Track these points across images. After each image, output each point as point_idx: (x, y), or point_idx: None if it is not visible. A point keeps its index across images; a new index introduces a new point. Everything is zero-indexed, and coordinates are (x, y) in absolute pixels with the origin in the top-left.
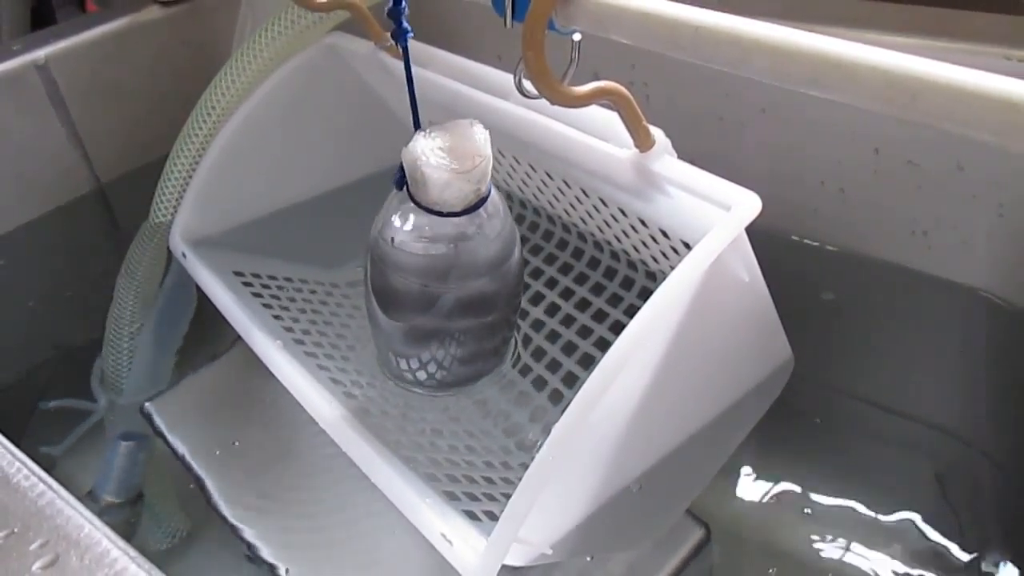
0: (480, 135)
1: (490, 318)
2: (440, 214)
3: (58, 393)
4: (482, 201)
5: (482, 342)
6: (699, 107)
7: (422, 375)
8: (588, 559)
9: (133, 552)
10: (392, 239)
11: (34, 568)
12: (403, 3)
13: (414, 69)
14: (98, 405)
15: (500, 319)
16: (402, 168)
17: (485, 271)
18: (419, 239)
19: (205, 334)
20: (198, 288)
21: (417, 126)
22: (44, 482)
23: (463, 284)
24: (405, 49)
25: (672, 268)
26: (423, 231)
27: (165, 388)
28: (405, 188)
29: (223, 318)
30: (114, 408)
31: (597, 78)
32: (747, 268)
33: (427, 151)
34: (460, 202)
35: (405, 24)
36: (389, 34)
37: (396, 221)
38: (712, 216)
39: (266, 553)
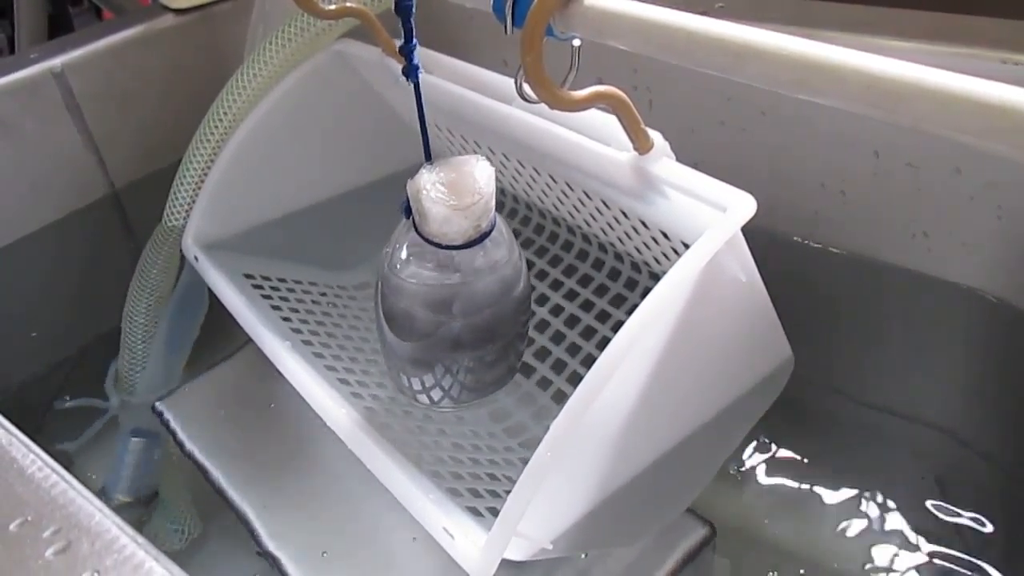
0: (482, 173)
1: (496, 347)
2: (440, 246)
3: (73, 392)
4: (483, 236)
5: (488, 369)
6: (701, 111)
7: (424, 399)
8: (583, 556)
9: (142, 540)
10: (398, 267)
11: (47, 554)
12: (414, 41)
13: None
14: (111, 404)
15: (506, 347)
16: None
17: (490, 302)
18: (423, 269)
19: (217, 335)
20: (210, 290)
21: (428, 158)
22: (57, 473)
23: (468, 314)
24: (416, 86)
25: None
26: (426, 262)
27: (176, 387)
28: (411, 218)
29: (234, 320)
30: (127, 407)
31: (600, 83)
32: (744, 268)
33: (429, 185)
34: (460, 236)
35: (416, 61)
36: (401, 70)
37: (402, 250)
38: (709, 217)
39: (276, 549)
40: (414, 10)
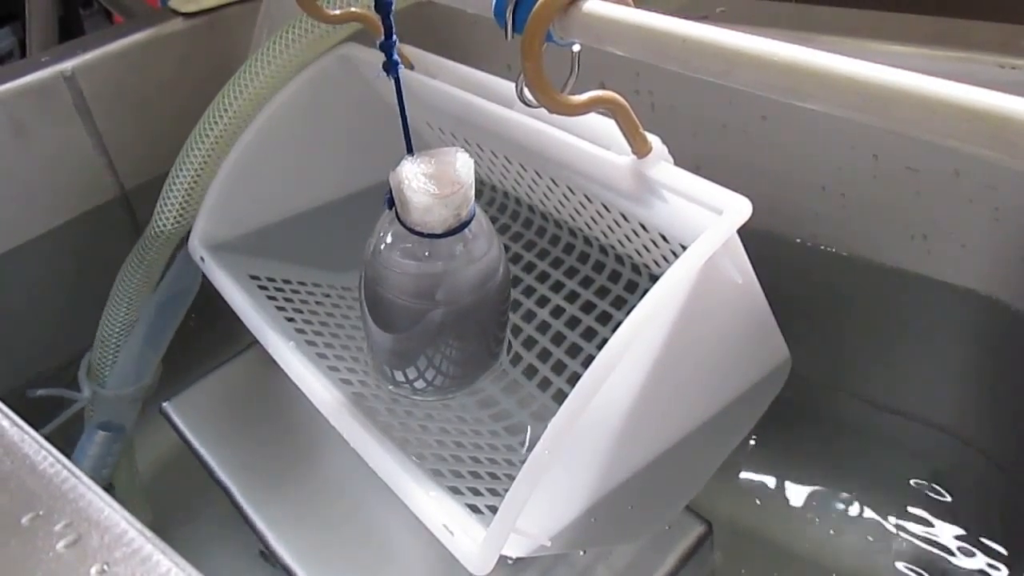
0: (462, 164)
1: (477, 334)
2: (422, 235)
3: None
4: (463, 225)
5: (470, 355)
6: (702, 114)
7: (407, 387)
8: (582, 553)
9: (149, 533)
10: (381, 256)
11: (58, 547)
12: (393, 37)
13: (423, 79)
14: (83, 395)
15: (487, 334)
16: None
17: (470, 290)
18: (405, 258)
19: (222, 336)
20: (215, 291)
21: (410, 151)
22: (67, 469)
23: (449, 302)
24: (397, 81)
25: None
26: (408, 251)
27: (182, 388)
28: (394, 209)
29: (239, 320)
30: (97, 399)
31: (604, 87)
32: (740, 271)
33: (410, 175)
34: (441, 225)
35: (396, 57)
36: (381, 66)
37: (385, 240)
38: (705, 220)
39: (279, 547)
40: (393, 6)
